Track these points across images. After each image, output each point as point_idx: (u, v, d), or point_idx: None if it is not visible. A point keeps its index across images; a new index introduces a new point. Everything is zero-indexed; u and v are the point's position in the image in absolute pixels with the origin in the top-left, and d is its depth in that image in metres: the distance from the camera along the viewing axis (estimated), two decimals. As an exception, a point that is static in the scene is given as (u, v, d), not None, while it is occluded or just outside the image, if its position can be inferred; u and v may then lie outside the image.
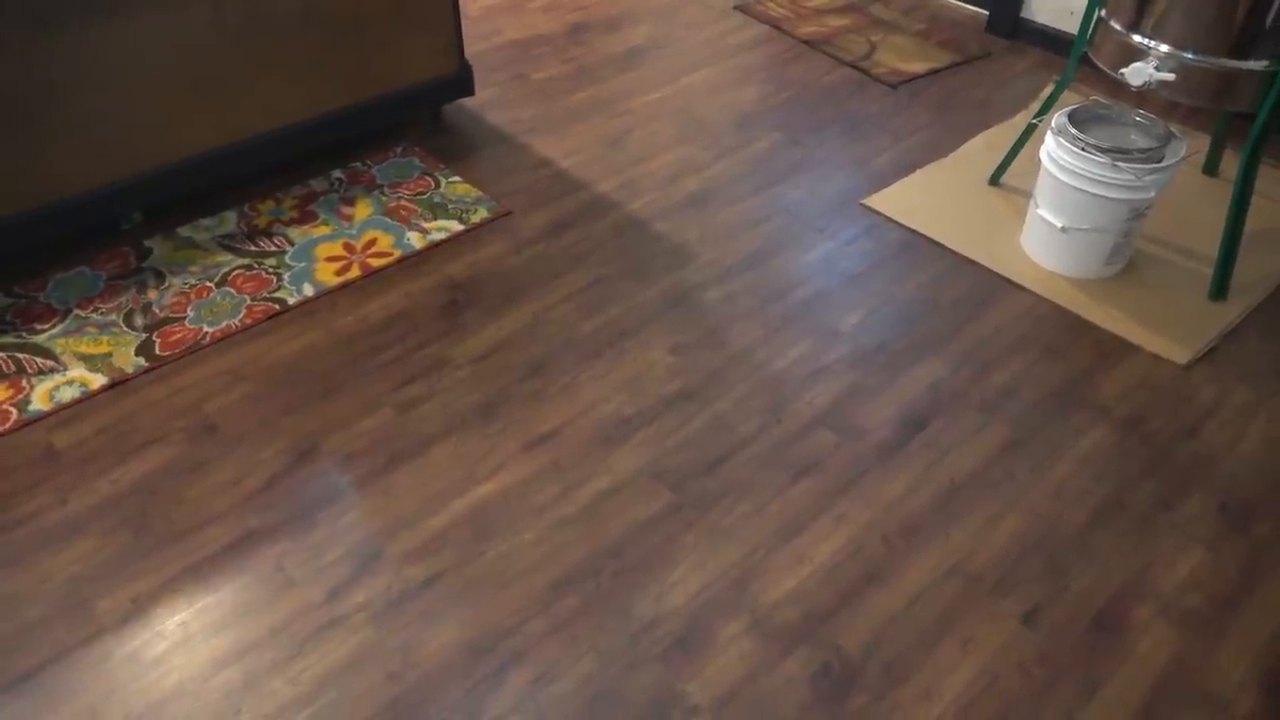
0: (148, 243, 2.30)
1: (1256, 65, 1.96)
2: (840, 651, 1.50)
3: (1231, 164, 2.63)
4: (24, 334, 2.05)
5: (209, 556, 1.63)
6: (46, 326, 2.06)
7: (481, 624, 1.53)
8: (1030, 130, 2.45)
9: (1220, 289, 2.19)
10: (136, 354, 2.00)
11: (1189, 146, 2.18)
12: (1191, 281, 2.25)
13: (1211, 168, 2.60)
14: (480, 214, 2.42)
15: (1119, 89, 2.84)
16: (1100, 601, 1.59)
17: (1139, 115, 2.16)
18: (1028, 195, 2.51)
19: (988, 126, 2.84)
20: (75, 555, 1.63)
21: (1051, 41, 3.18)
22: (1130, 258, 2.28)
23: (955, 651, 1.51)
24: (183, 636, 1.51)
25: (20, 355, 1.99)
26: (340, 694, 1.44)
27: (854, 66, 3.11)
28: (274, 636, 1.51)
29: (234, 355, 2.02)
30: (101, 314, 2.10)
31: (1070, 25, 3.12)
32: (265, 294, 2.15)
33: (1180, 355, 2.05)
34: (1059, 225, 2.18)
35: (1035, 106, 2.92)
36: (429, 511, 1.71)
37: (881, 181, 2.59)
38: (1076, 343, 2.09)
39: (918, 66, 3.10)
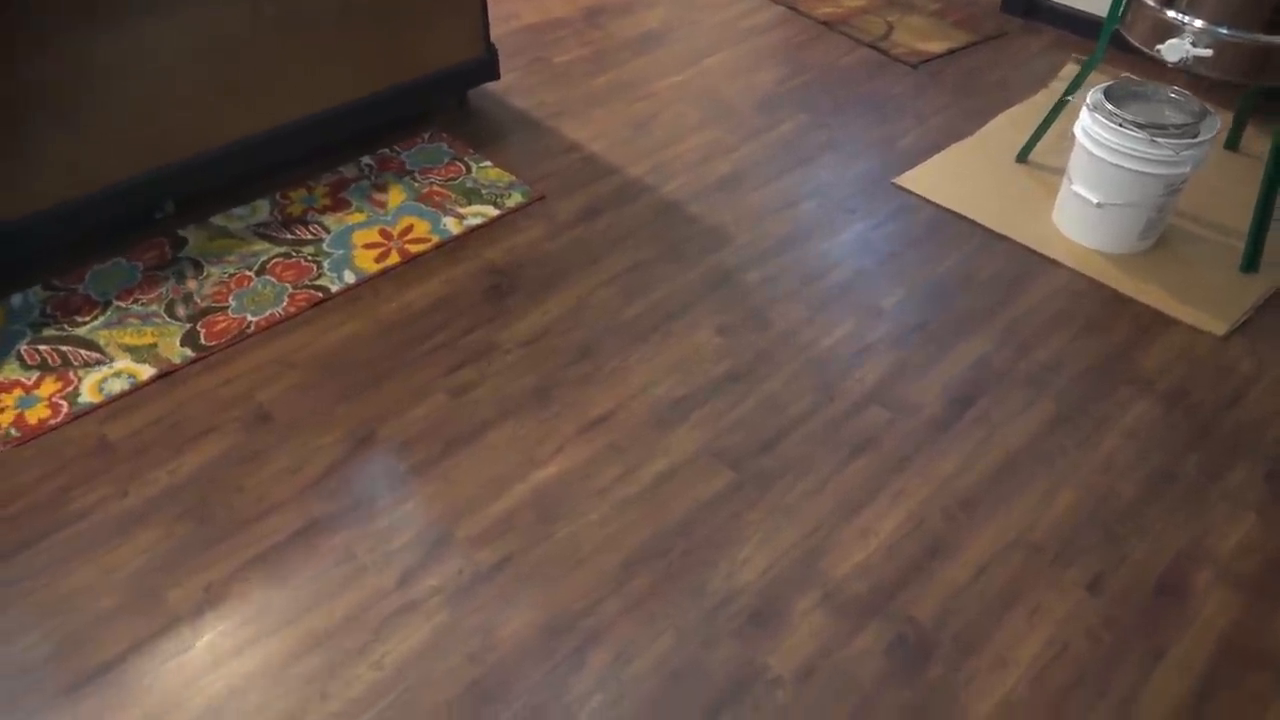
0: (182, 233, 2.28)
1: (1292, 40, 1.98)
2: (913, 623, 1.53)
3: (1253, 139, 2.66)
4: (65, 326, 2.03)
5: (276, 545, 1.63)
6: (88, 319, 2.05)
7: (556, 605, 1.55)
8: (1060, 107, 2.47)
9: (1252, 262, 2.22)
10: (182, 344, 1.99)
11: (1221, 122, 2.21)
12: (1222, 255, 2.28)
13: (1233, 143, 2.64)
14: (514, 199, 2.41)
15: (1139, 66, 2.87)
16: (1160, 569, 1.62)
17: (1173, 91, 2.18)
18: (1056, 172, 2.54)
19: (1009, 105, 2.86)
20: (141, 546, 1.63)
21: (1066, 20, 3.20)
22: (1162, 232, 2.31)
23: (1024, 621, 1.54)
24: (260, 623, 1.51)
25: (65, 348, 1.97)
26: (422, 677, 1.45)
27: (873, 47, 3.12)
28: (351, 622, 1.52)
29: (280, 344, 2.01)
30: (142, 305, 2.08)
31: (1085, 3, 3.14)
32: (307, 282, 2.14)
33: (1217, 327, 2.09)
34: (1094, 201, 2.20)
35: (1055, 85, 2.95)
36: (492, 496, 1.72)
37: (909, 161, 2.61)
38: (1115, 317, 2.12)
39: (936, 46, 3.12)
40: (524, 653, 1.48)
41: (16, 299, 2.09)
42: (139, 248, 2.24)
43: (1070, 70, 3.01)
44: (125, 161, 2.16)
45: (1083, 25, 3.15)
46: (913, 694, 1.44)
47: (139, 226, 2.30)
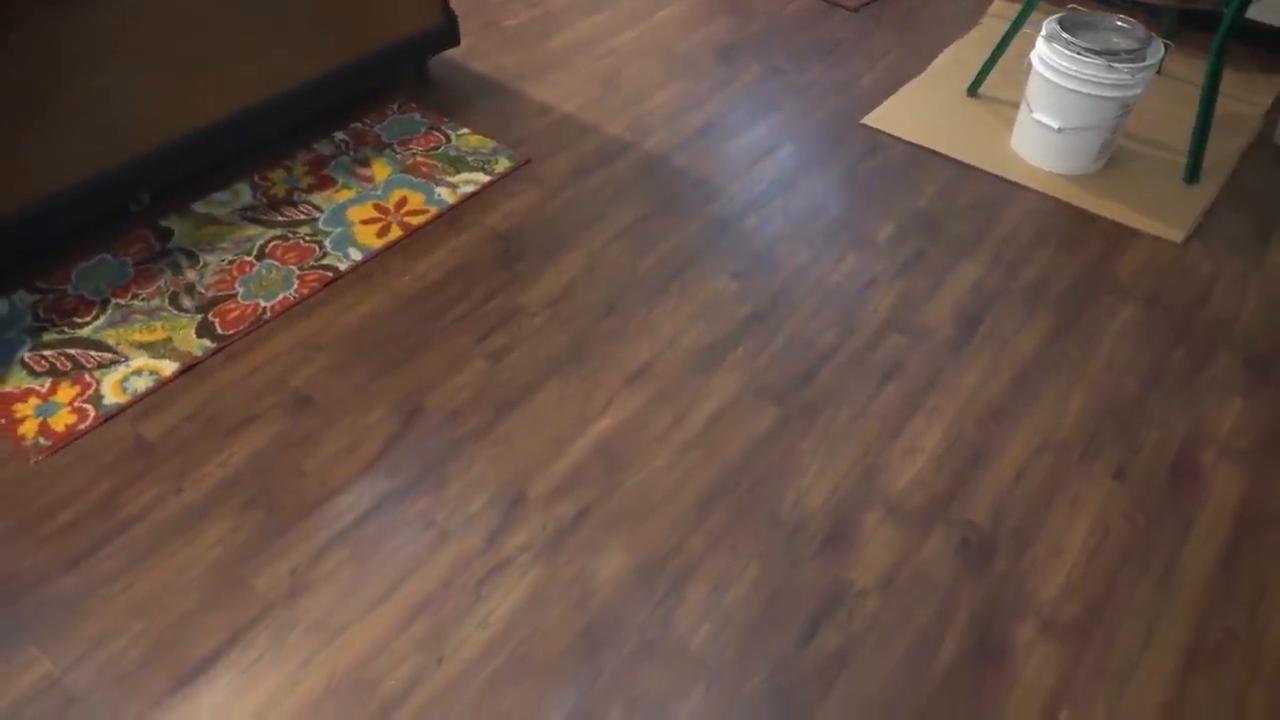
0: (164, 223, 2.20)
1: (1226, -35, 2.17)
2: (972, 525, 1.66)
3: (1172, 63, 2.88)
4: (65, 329, 1.94)
5: (354, 522, 1.63)
6: (88, 319, 1.96)
7: (643, 548, 1.61)
8: (1006, 41, 2.62)
9: (1194, 173, 2.43)
10: (198, 336, 1.93)
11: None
12: (1166, 169, 2.49)
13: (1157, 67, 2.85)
14: (502, 164, 2.41)
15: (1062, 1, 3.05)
16: (1171, 453, 1.79)
17: (1119, 20, 2.35)
18: (1004, 102, 2.70)
19: (949, 43, 3.00)
20: (212, 539, 1.60)
21: (985, -42, 3.36)
22: (1113, 153, 2.50)
23: (1067, 512, 1.69)
24: (358, 598, 1.52)
25: (72, 351, 1.89)
26: (532, 630, 1.49)
27: (811, -7, 3.21)
28: (448, 587, 1.54)
29: (302, 327, 1.98)
30: (143, 300, 2.01)
31: (1003, -59, 3.29)
32: (313, 263, 2.10)
33: (1175, 235, 2.28)
34: (1055, 126, 2.36)
35: (988, 21, 3.11)
36: (555, 453, 1.75)
37: (871, 102, 2.72)
38: (1085, 233, 2.29)
39: (871, -10, 3.23)
40: (624, 595, 1.54)
41: (2, 306, 1.98)
42: (122, 242, 2.15)
43: (999, 7, 3.17)
44: (97, 155, 2.06)
45: (1003, -37, 3.31)
46: (986, 587, 1.57)
47: (115, 221, 2.20)
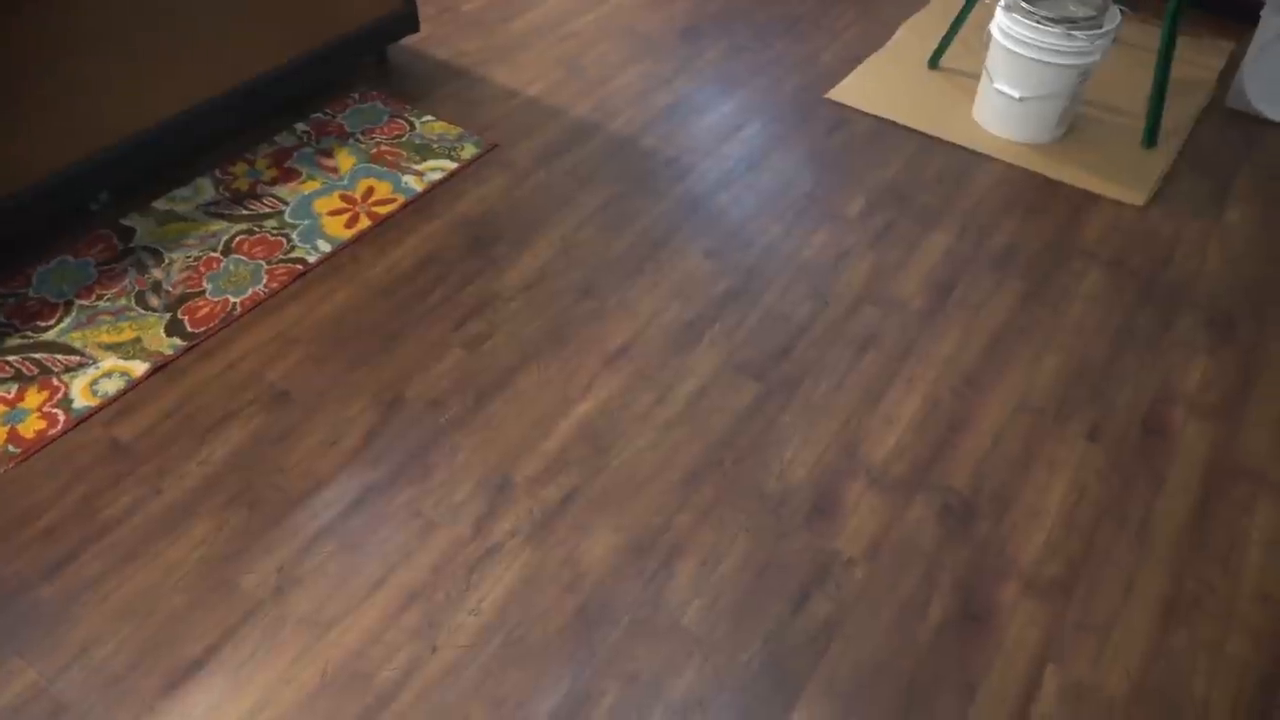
0: (125, 222, 2.15)
1: (1178, -69, 2.20)
2: (953, 491, 1.68)
3: (1131, 29, 2.93)
4: (29, 334, 1.90)
5: (339, 515, 1.62)
6: (52, 322, 1.92)
7: (632, 527, 1.61)
8: (966, 12, 2.64)
9: (1152, 137, 2.47)
10: (168, 334, 1.90)
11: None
12: (1124, 134, 2.53)
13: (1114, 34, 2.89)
14: (469, 150, 2.39)
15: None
16: (1142, 412, 1.83)
17: (1076, -13, 2.38)
18: (967, 74, 2.72)
19: (908, 16, 3.02)
20: (196, 539, 1.58)
21: (940, -70, 3.37)
22: (1073, 120, 2.53)
23: (1044, 474, 1.72)
24: (348, 591, 1.51)
25: (37, 355, 1.85)
26: (525, 614, 1.49)
27: (770, -31, 3.21)
28: (439, 575, 1.54)
29: (274, 321, 1.95)
30: (109, 301, 1.97)
31: (957, -87, 3.31)
32: (281, 256, 2.08)
33: (1137, 198, 2.32)
34: (1017, 96, 2.39)
35: (946, -8, 3.13)
36: (539, 436, 1.75)
37: (834, 76, 2.73)
38: (1049, 200, 2.32)
39: (828, -36, 3.23)
40: (615, 575, 1.55)
41: (-39, 311, 1.94)
42: (83, 243, 2.10)
43: (956, -23, 3.19)
44: (55, 152, 2.00)
45: (957, -66, 3.33)
46: (969, 551, 1.60)
47: (75, 221, 2.15)
